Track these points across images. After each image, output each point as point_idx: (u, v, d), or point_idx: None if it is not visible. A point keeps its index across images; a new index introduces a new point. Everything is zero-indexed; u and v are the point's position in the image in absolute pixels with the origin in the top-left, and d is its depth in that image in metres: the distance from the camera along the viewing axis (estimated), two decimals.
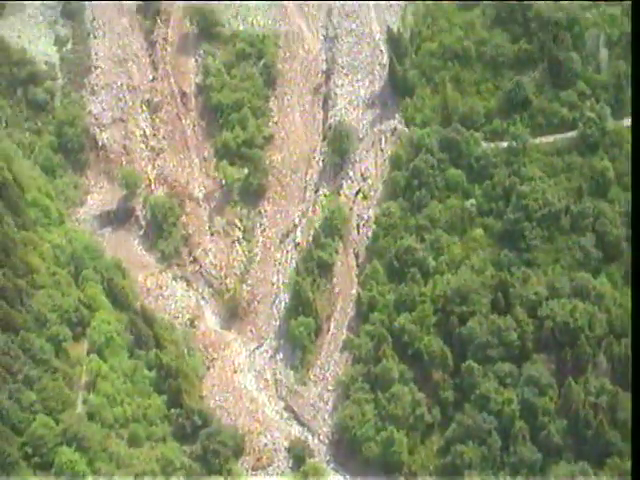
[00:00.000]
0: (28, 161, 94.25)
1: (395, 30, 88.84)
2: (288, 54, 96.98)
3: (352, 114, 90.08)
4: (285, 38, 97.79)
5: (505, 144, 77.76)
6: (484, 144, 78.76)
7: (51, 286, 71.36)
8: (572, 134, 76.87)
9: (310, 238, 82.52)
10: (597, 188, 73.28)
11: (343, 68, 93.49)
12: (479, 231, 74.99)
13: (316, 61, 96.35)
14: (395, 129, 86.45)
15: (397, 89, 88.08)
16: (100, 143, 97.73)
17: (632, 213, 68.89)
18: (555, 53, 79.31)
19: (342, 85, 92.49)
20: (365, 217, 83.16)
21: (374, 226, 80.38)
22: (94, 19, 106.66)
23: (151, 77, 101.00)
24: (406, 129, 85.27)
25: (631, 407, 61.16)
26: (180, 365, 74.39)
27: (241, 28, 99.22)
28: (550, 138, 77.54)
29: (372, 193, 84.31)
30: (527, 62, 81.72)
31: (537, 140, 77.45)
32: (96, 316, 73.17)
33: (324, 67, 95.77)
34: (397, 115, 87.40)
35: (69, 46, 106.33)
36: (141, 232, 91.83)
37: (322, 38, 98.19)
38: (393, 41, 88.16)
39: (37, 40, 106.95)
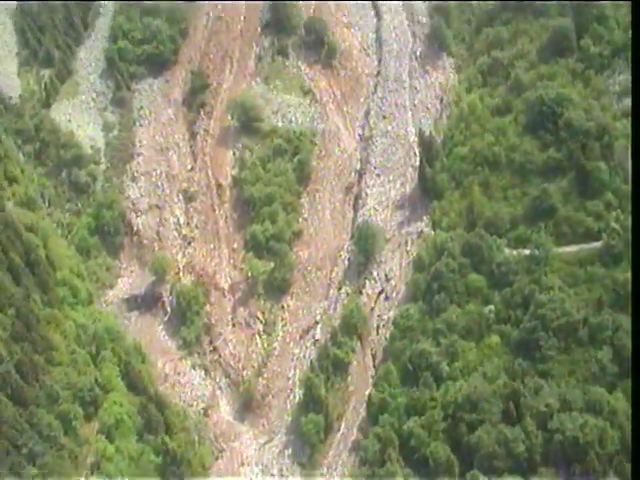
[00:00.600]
0: (64, 241, 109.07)
1: (427, 133, 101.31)
2: (323, 152, 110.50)
3: (381, 214, 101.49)
4: (322, 136, 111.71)
5: (528, 252, 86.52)
6: (507, 250, 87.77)
7: (68, 364, 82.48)
8: (596, 245, 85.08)
9: (328, 335, 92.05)
10: (617, 300, 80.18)
11: (376, 169, 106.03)
12: (495, 338, 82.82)
13: (350, 160, 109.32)
14: (422, 232, 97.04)
15: (427, 192, 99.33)
16: (135, 228, 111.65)
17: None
18: (583, 162, 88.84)
19: (373, 185, 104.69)
20: (385, 318, 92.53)
21: (392, 328, 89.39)
22: (141, 108, 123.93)
23: (190, 167, 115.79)
24: (432, 232, 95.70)
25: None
26: (187, 453, 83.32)
27: (280, 124, 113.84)
28: (574, 248, 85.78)
29: (394, 294, 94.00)
30: (555, 170, 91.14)
31: (560, 249, 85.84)
32: (109, 397, 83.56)
33: (358, 166, 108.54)
34: (425, 218, 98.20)
35: (115, 132, 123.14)
36: (166, 318, 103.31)
37: (358, 138, 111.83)
38: (425, 144, 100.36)
39: (86, 125, 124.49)
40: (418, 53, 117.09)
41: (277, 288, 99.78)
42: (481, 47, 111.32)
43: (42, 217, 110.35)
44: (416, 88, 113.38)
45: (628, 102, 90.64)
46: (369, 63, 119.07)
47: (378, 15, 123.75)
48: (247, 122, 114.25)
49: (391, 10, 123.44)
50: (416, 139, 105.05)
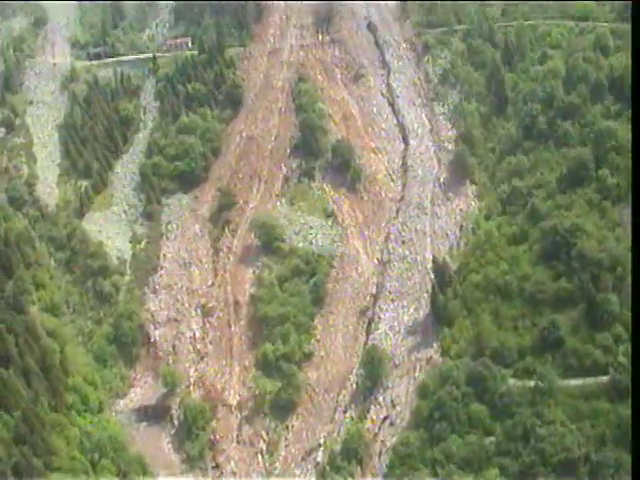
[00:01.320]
0: (83, 348, 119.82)
1: (442, 260, 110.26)
2: (340, 275, 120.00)
3: (392, 339, 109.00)
4: (340, 259, 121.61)
5: (532, 383, 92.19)
6: (511, 381, 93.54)
7: (67, 470, 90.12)
8: (603, 379, 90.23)
9: (327, 459, 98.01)
10: (621, 437, 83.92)
11: (390, 293, 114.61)
12: (494, 471, 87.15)
13: (367, 284, 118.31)
14: (430, 358, 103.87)
15: (438, 318, 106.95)
16: (152, 340, 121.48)
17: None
18: (593, 293, 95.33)
19: (387, 310, 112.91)
20: (388, 444, 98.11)
21: (392, 454, 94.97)
22: (169, 222, 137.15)
23: (210, 282, 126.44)
24: (441, 359, 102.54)
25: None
26: None
27: (300, 245, 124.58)
28: (579, 381, 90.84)
29: (399, 421, 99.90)
30: (566, 301, 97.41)
31: (565, 382, 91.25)
32: None
33: (374, 290, 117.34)
34: (435, 344, 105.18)
35: (142, 245, 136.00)
36: (173, 431, 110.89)
37: (376, 262, 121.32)
38: (439, 270, 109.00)
39: (115, 236, 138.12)
40: (442, 179, 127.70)
41: (283, 408, 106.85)
42: (502, 175, 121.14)
43: (65, 323, 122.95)
44: (437, 215, 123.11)
45: None
46: (393, 188, 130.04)
47: (405, 141, 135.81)
48: (268, 241, 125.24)
49: (418, 136, 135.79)
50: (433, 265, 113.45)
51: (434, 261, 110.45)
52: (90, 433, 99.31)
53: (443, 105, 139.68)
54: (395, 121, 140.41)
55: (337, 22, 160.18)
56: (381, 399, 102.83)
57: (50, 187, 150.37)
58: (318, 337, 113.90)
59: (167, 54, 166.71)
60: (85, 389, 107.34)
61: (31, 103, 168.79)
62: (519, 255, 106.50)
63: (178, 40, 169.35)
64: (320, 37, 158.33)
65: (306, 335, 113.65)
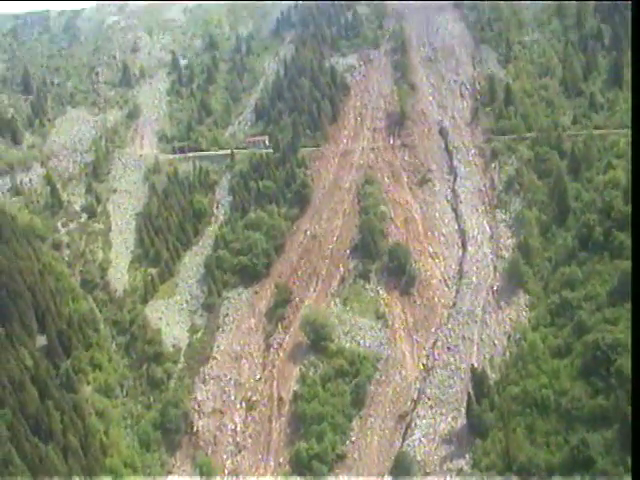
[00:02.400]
0: (129, 431, 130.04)
1: (481, 369, 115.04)
2: (384, 378, 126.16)
3: (426, 447, 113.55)
4: (385, 362, 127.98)
5: None
6: None
7: None
8: None
9: None
10: None
11: (429, 399, 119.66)
12: None
13: (408, 389, 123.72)
14: (461, 469, 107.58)
15: (473, 429, 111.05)
16: (195, 429, 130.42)
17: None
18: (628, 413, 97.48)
19: (424, 416, 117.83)
20: None
21: None
22: (227, 315, 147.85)
23: (258, 377, 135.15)
24: (471, 471, 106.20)
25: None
26: None
27: (347, 345, 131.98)
28: None
29: None
30: (602, 419, 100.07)
31: None
32: None
33: (415, 396, 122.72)
34: (467, 455, 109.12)
35: (199, 335, 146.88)
36: None
37: (421, 367, 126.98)
38: (477, 380, 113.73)
39: (175, 324, 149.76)
40: (495, 287, 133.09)
41: None
42: (555, 286, 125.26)
43: (115, 405, 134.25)
44: (486, 323, 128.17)
45: None
46: (447, 294, 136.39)
47: (464, 247, 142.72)
48: (317, 340, 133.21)
49: (477, 242, 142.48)
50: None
51: (472, 370, 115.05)
52: None
53: (505, 212, 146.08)
54: (456, 227, 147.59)
55: (409, 126, 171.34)
56: None
57: (121, 272, 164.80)
58: (353, 439, 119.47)
59: (245, 151, 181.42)
60: (122, 471, 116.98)
61: (115, 191, 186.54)
62: (560, 369, 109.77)
63: (256, 138, 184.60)
64: (391, 140, 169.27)
65: (341, 436, 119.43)
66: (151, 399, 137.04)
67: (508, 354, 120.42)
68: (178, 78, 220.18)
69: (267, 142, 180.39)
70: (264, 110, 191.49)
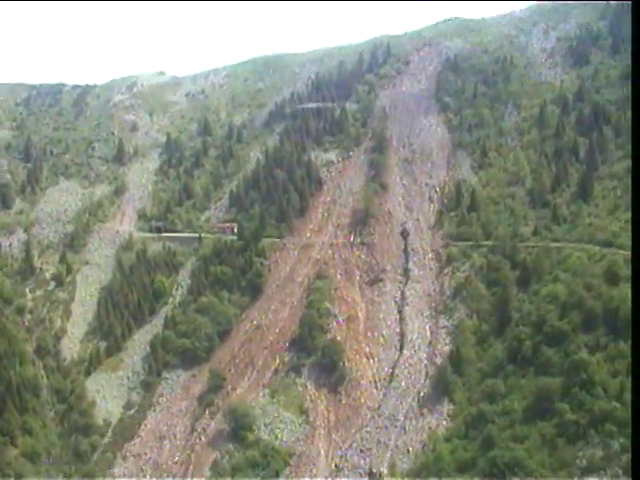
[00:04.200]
0: None
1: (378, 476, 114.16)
2: (293, 474, 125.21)
3: None
4: (298, 458, 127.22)
5: None
6: None
7: None
8: None
9: None
10: None
11: None
12: None
13: None
14: None
15: None
16: None
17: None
18: None
19: None
20: None
21: None
22: (162, 395, 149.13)
23: (176, 459, 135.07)
24: None
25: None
26: None
27: (265, 437, 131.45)
28: None
29: None
30: None
31: None
32: None
33: None
34: None
35: (131, 412, 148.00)
36: None
37: (333, 467, 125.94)
38: None
39: (111, 399, 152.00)
40: (422, 394, 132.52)
41: None
42: (477, 397, 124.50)
43: (39, 472, 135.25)
44: (405, 429, 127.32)
45: None
46: (374, 396, 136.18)
47: (401, 349, 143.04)
48: (237, 428, 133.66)
49: (415, 347, 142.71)
50: None
51: (370, 475, 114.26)
52: None
53: (449, 319, 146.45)
54: (397, 329, 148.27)
55: (372, 224, 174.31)
56: None
57: (74, 342, 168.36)
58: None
59: (212, 236, 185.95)
60: None
61: (87, 263, 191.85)
62: None
63: (226, 225, 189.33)
64: (352, 238, 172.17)
65: None
66: (72, 470, 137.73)
67: (418, 464, 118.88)
68: (168, 159, 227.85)
69: (235, 229, 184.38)
70: (239, 198, 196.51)
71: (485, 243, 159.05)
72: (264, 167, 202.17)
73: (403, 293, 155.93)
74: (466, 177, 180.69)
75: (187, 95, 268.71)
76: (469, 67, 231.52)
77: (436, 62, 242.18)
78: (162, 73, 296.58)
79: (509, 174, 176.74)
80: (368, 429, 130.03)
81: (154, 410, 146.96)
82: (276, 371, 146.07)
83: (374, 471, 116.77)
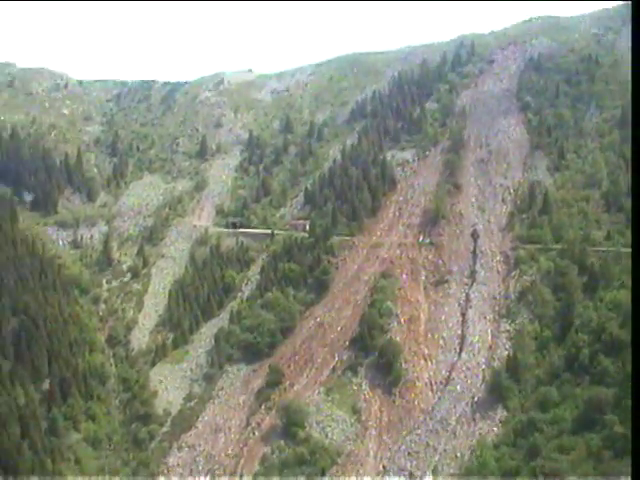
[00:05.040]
0: None
1: None
2: (340, 472, 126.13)
3: None
4: (346, 457, 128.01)
5: None
6: None
7: None
8: None
9: None
10: None
11: None
12: None
13: None
14: None
15: None
16: None
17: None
18: None
19: None
20: None
21: None
22: (222, 389, 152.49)
23: (229, 452, 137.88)
24: None
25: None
26: None
27: (315, 435, 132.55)
28: None
29: None
30: None
31: None
32: None
33: None
34: None
35: (192, 404, 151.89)
36: None
37: (381, 468, 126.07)
38: None
39: (173, 390, 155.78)
40: (476, 399, 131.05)
41: None
42: (530, 405, 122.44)
43: (99, 457, 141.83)
44: (455, 434, 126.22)
45: None
46: (428, 398, 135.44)
47: (460, 352, 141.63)
48: (289, 425, 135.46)
49: (474, 350, 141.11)
50: None
51: (410, 478, 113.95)
52: None
53: (511, 323, 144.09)
54: (459, 332, 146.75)
55: (442, 225, 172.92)
56: None
57: (144, 333, 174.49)
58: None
59: (285, 232, 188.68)
60: None
61: (163, 257, 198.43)
62: None
63: (299, 222, 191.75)
64: (421, 238, 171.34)
65: None
66: (130, 456, 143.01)
67: (462, 469, 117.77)
68: (249, 156, 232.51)
69: (307, 227, 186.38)
70: (313, 195, 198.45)
71: (555, 247, 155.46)
72: (340, 165, 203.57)
73: (468, 295, 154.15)
74: (541, 179, 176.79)
75: (272, 93, 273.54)
76: (553, 66, 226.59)
77: (520, 61, 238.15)
78: (250, 71, 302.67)
79: (586, 176, 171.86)
80: (419, 432, 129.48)
81: (213, 403, 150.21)
82: (334, 369, 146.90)
83: (414, 473, 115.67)
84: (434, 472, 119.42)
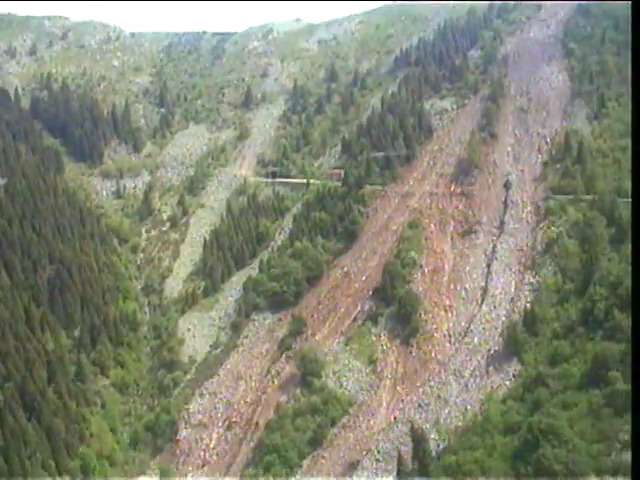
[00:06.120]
0: (125, 427, 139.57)
1: (420, 431, 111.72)
2: (351, 423, 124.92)
3: None
4: (358, 407, 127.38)
5: None
6: None
7: None
8: None
9: None
10: None
11: (379, 452, 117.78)
12: None
13: (369, 439, 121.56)
14: None
15: None
16: (177, 437, 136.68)
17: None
18: None
19: (368, 467, 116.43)
20: None
21: None
22: (247, 337, 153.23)
23: (248, 399, 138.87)
24: None
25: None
26: None
27: (330, 385, 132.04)
28: None
29: None
30: None
31: None
32: None
33: (372, 447, 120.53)
34: None
35: (217, 351, 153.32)
36: None
37: (392, 419, 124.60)
38: (416, 441, 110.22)
39: (200, 338, 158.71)
40: (492, 351, 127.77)
41: None
42: (542, 359, 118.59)
43: (126, 402, 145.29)
44: (467, 387, 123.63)
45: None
46: (445, 350, 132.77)
47: (481, 304, 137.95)
48: (306, 374, 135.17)
49: (495, 302, 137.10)
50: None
51: (412, 430, 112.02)
52: None
53: (535, 276, 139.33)
54: (482, 284, 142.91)
55: (475, 174, 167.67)
56: None
57: (178, 282, 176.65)
58: (297, 477, 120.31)
59: (319, 182, 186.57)
60: (92, 461, 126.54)
61: (202, 206, 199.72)
62: (501, 446, 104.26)
63: (334, 171, 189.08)
64: (452, 187, 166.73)
65: (288, 471, 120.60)
66: (155, 402, 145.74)
67: (467, 422, 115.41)
68: (293, 106, 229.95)
69: (342, 176, 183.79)
70: (350, 144, 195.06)
71: (586, 197, 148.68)
72: (378, 114, 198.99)
73: (494, 246, 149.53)
74: (579, 127, 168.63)
75: (319, 42, 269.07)
76: (602, 12, 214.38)
77: (568, 7, 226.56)
78: (298, 20, 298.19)
79: (624, 125, 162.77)
80: (431, 384, 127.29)
81: (237, 351, 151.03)
82: (355, 319, 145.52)
83: (417, 427, 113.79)
84: (436, 425, 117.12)
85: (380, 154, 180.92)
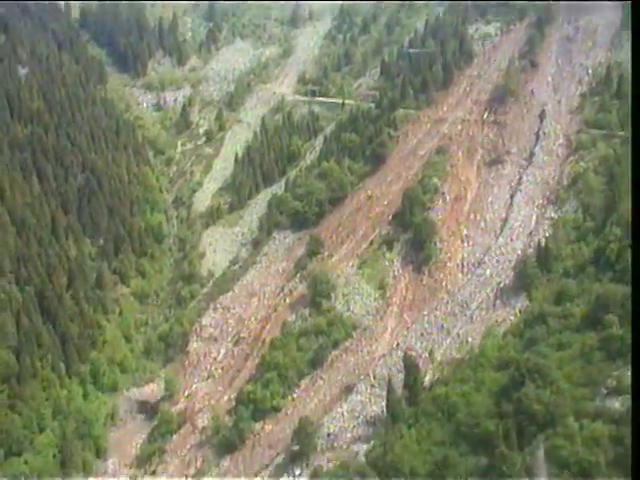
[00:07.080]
0: (140, 336, 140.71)
1: (411, 361, 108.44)
2: (353, 346, 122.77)
3: (344, 424, 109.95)
4: (362, 332, 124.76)
5: None
6: None
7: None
8: None
9: None
10: None
11: (375, 379, 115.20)
12: None
13: (369, 363, 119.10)
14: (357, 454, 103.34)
15: (392, 418, 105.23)
16: (187, 349, 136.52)
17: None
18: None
19: (361, 392, 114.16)
20: None
21: None
22: (266, 254, 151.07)
23: (259, 316, 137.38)
24: None
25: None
26: None
27: (338, 307, 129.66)
28: None
29: None
30: (486, 442, 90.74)
31: None
32: None
33: (370, 372, 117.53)
34: (372, 441, 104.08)
35: (235, 267, 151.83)
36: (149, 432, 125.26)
37: (394, 345, 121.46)
38: (408, 370, 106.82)
39: (221, 252, 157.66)
40: (502, 285, 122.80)
41: (224, 446, 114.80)
42: (548, 296, 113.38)
43: (143, 312, 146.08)
44: (472, 319, 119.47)
45: None
46: (457, 280, 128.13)
47: (498, 236, 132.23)
48: (315, 295, 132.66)
49: (513, 235, 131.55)
50: None
51: (404, 358, 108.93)
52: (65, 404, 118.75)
53: (557, 210, 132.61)
54: (503, 215, 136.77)
55: (510, 103, 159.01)
56: None
57: (206, 196, 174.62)
58: (295, 396, 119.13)
59: (353, 103, 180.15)
60: (102, 367, 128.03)
61: (239, 122, 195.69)
62: (490, 382, 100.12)
63: (370, 92, 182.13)
64: (485, 115, 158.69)
65: (286, 390, 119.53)
66: (171, 313, 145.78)
67: (462, 354, 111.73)
68: (339, 24, 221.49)
69: (377, 97, 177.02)
70: (389, 66, 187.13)
71: (619, 133, 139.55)
72: (420, 37, 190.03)
73: (521, 178, 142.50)
74: (624, 59, 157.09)
75: None
76: None
77: None
78: None
79: None
80: (437, 313, 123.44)
81: (255, 268, 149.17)
82: (371, 243, 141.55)
83: (410, 354, 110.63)
84: (430, 354, 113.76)
85: (415, 50, 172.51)
